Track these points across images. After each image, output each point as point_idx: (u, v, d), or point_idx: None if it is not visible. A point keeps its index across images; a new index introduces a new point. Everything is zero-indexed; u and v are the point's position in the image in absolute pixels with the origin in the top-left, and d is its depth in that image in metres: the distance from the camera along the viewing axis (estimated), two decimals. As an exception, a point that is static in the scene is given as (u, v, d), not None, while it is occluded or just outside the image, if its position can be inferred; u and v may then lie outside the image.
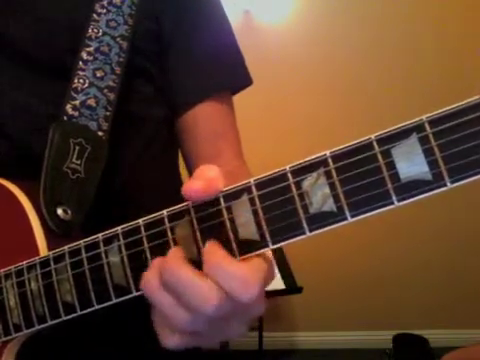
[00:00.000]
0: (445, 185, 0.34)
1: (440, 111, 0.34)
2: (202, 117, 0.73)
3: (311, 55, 3.07)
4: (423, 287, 3.09)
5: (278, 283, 2.32)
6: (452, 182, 0.34)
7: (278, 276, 2.35)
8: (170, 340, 0.45)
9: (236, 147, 0.76)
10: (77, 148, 0.61)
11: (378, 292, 3.10)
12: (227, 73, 0.76)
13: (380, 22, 3.02)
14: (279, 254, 2.41)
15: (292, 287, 2.32)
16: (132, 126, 0.69)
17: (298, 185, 0.38)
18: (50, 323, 0.51)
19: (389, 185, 0.35)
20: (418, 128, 0.35)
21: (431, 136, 0.34)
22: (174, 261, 0.43)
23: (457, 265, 3.06)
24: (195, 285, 0.41)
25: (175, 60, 0.72)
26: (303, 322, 3.25)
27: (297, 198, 0.38)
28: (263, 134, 2.99)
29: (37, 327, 0.52)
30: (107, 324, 0.63)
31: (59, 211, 0.58)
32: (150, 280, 0.44)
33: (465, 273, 3.05)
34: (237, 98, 0.79)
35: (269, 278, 0.44)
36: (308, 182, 0.38)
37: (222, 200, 0.42)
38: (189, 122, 0.73)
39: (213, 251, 0.42)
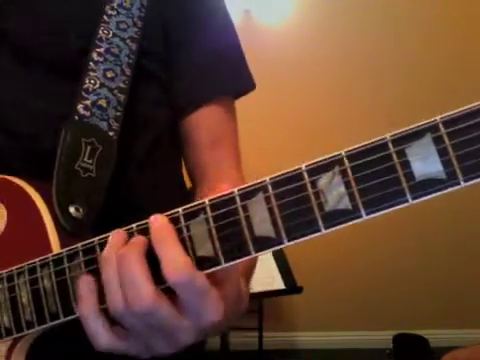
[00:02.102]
0: (459, 184, 0.35)
1: (454, 112, 0.36)
2: (204, 121, 0.74)
3: (311, 55, 3.08)
4: (423, 287, 3.09)
5: (278, 283, 2.33)
6: (465, 181, 0.35)
7: (278, 276, 2.36)
8: (100, 335, 0.48)
9: (235, 157, 0.77)
10: (89, 148, 0.62)
11: (378, 292, 3.11)
12: (231, 77, 0.77)
13: (380, 22, 3.04)
14: (279, 254, 2.41)
15: (292, 287, 2.32)
16: (139, 127, 0.70)
17: (313, 184, 0.39)
18: (63, 320, 0.51)
19: (404, 184, 0.36)
20: (432, 128, 0.36)
21: (445, 136, 0.36)
22: (136, 252, 0.45)
23: (457, 265, 3.07)
24: (140, 282, 0.44)
25: (180, 62, 0.73)
26: (303, 322, 3.26)
27: (312, 196, 0.39)
28: (263, 134, 2.99)
29: (49, 324, 0.52)
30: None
31: (71, 209, 0.58)
32: (111, 261, 0.46)
33: (465, 273, 3.06)
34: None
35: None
36: (323, 181, 0.39)
37: (238, 199, 0.43)
38: (192, 125, 0.74)
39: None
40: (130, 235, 0.48)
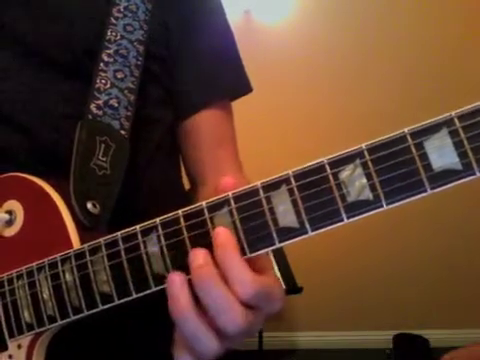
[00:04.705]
0: (474, 174, 0.38)
1: (467, 107, 0.38)
2: (205, 123, 0.76)
3: (311, 55, 3.09)
4: (423, 287, 3.10)
5: (278, 283, 2.33)
6: (481, 171, 0.37)
7: (278, 276, 2.37)
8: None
9: (236, 157, 0.79)
10: (103, 146, 0.63)
11: (378, 292, 3.12)
12: (231, 80, 0.79)
13: (380, 22, 3.05)
14: (279, 254, 2.41)
15: (292, 287, 2.33)
16: (145, 128, 0.71)
17: (335, 176, 0.42)
18: (86, 313, 0.52)
19: (423, 175, 0.39)
20: (448, 122, 0.39)
21: (460, 130, 0.38)
22: (210, 277, 0.44)
23: (457, 265, 3.08)
24: (231, 307, 0.44)
25: (182, 65, 0.75)
26: (303, 322, 3.26)
27: (335, 188, 0.42)
28: (263, 134, 3.01)
29: (72, 318, 0.53)
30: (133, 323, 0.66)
31: (89, 205, 0.59)
32: (180, 298, 0.45)
33: (465, 273, 3.07)
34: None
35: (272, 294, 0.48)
36: (345, 173, 0.41)
37: (261, 191, 0.44)
38: (193, 127, 0.76)
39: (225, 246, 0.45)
40: (146, 232, 0.49)
